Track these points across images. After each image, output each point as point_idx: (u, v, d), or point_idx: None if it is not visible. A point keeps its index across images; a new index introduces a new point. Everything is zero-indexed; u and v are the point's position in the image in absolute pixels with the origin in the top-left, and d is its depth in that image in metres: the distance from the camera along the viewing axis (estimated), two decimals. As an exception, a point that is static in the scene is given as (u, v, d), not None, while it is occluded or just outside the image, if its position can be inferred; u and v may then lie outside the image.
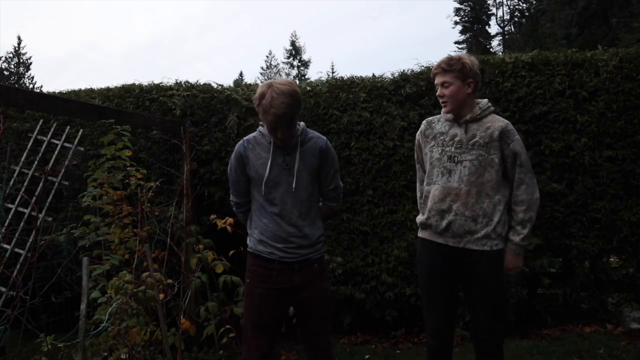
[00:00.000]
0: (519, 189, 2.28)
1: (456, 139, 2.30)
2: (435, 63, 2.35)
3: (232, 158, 2.22)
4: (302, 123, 2.21)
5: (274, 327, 2.21)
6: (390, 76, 4.38)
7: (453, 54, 2.36)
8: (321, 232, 2.25)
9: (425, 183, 2.41)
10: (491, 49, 35.98)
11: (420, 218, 2.41)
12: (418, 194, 2.52)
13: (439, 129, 2.37)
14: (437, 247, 2.32)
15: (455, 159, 2.27)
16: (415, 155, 2.54)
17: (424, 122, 2.48)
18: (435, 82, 2.33)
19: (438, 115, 2.45)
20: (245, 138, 2.22)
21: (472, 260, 2.25)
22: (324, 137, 2.26)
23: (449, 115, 2.34)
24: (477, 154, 2.25)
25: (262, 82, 2.14)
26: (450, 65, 2.26)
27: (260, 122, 2.20)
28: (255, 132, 2.23)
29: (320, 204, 2.32)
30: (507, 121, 2.32)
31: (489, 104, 2.35)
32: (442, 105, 2.33)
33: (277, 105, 1.96)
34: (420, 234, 2.42)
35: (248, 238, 2.27)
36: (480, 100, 2.36)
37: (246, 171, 2.17)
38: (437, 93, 2.33)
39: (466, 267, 2.27)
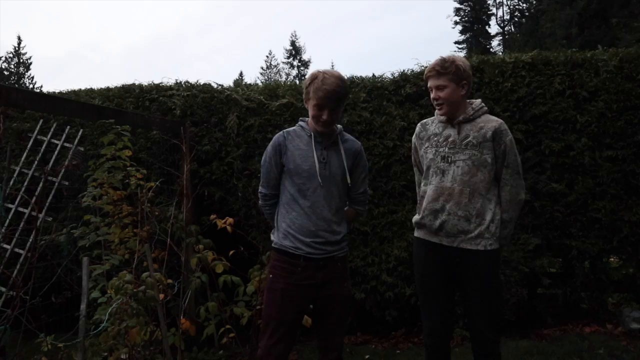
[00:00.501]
0: (504, 189, 2.31)
1: (450, 139, 2.31)
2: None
3: (268, 147, 2.25)
4: (339, 126, 2.27)
5: (294, 326, 2.20)
6: (390, 76, 4.39)
7: (445, 54, 2.36)
8: (346, 232, 2.27)
9: (422, 184, 2.43)
10: (491, 49, 35.98)
11: (415, 218, 2.43)
12: (418, 197, 2.52)
13: (433, 130, 2.39)
14: (431, 246, 2.33)
15: (449, 159, 2.29)
16: (412, 158, 2.56)
17: (418, 124, 2.50)
18: (429, 84, 2.34)
19: (432, 117, 2.47)
20: (285, 130, 2.27)
21: (466, 260, 2.26)
22: (359, 142, 2.34)
23: (442, 117, 2.36)
24: (470, 154, 2.26)
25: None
26: (444, 68, 2.26)
27: (301, 118, 2.28)
28: (296, 126, 2.28)
29: (346, 207, 2.34)
30: (500, 121, 2.33)
31: (482, 104, 2.37)
32: (437, 107, 2.34)
33: (330, 83, 2.09)
34: (416, 233, 2.44)
35: (272, 233, 2.27)
36: (473, 100, 2.38)
37: (281, 161, 2.19)
38: (432, 96, 2.33)
39: (461, 267, 2.28)
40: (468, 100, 2.36)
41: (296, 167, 2.16)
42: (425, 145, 2.39)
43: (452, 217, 2.25)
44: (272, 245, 2.24)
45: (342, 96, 2.14)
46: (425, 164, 2.39)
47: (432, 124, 2.42)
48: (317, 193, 2.15)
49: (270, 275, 2.22)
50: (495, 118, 2.35)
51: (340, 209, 2.24)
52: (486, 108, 2.37)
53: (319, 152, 2.17)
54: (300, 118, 2.29)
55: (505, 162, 2.28)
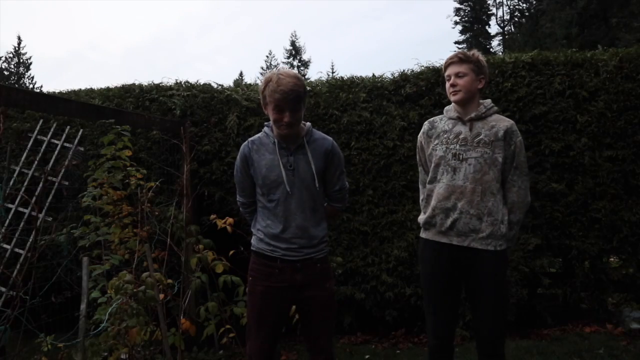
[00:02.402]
0: (511, 191, 2.30)
1: (461, 136, 2.29)
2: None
3: (237, 159, 2.23)
4: (308, 123, 2.20)
5: (276, 326, 2.20)
6: (390, 76, 4.39)
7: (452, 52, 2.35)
8: (325, 233, 2.24)
9: (427, 182, 2.39)
10: (491, 49, 35.93)
11: (422, 217, 2.38)
12: (421, 196, 2.48)
13: (442, 128, 2.36)
14: (440, 247, 2.30)
15: (460, 156, 2.26)
16: (418, 157, 2.51)
17: (426, 122, 2.46)
18: (448, 72, 2.32)
19: (440, 116, 2.45)
20: (250, 139, 2.21)
21: (476, 260, 2.24)
22: (330, 138, 2.23)
23: (453, 114, 2.34)
24: (482, 151, 2.24)
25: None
26: (467, 57, 2.28)
27: (266, 123, 2.20)
28: (261, 132, 2.22)
29: (325, 204, 2.31)
30: (512, 121, 2.33)
31: (492, 104, 2.36)
32: (452, 94, 2.30)
33: (285, 84, 1.99)
34: (423, 234, 2.39)
35: (252, 239, 2.27)
36: (483, 100, 2.37)
37: (250, 172, 2.17)
38: (450, 82, 2.30)
39: (470, 267, 2.26)
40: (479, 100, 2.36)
41: (264, 178, 2.12)
42: (435, 143, 2.35)
43: (464, 216, 2.23)
44: (251, 248, 2.24)
45: (301, 95, 2.03)
46: (433, 161, 2.34)
47: (441, 121, 2.39)
48: (287, 201, 2.12)
49: (250, 278, 2.22)
50: (507, 118, 2.35)
51: (316, 212, 2.18)
52: (496, 108, 2.37)
53: (284, 159, 2.11)
54: (266, 123, 2.20)
55: (514, 162, 2.28)
